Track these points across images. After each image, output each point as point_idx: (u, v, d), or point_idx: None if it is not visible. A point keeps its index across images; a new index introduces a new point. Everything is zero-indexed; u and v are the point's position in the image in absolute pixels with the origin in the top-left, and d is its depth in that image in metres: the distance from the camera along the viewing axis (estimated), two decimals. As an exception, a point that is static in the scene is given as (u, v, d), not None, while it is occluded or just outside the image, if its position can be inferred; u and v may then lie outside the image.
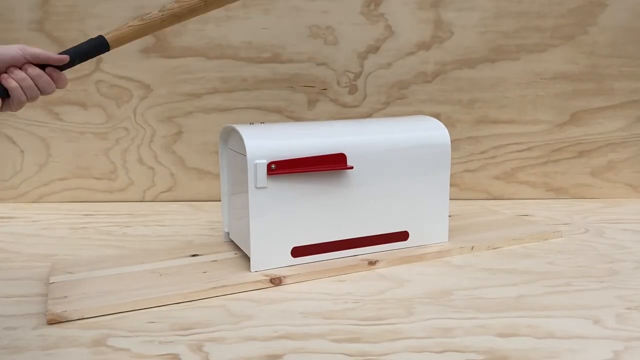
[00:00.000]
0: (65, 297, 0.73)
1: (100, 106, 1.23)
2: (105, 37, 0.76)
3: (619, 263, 0.87)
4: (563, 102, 1.25)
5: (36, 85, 0.71)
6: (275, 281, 0.79)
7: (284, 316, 0.70)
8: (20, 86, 0.71)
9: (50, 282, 0.78)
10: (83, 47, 0.75)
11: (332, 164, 0.83)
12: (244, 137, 0.80)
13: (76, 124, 1.23)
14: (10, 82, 0.70)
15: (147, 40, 1.19)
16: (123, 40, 0.77)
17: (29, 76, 0.71)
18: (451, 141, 1.25)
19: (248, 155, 0.78)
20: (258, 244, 0.81)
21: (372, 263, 0.85)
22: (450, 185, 1.27)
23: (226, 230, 0.93)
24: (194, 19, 1.18)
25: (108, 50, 0.76)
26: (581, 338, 0.64)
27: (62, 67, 0.73)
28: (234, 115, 1.23)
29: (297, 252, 0.83)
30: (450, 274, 0.84)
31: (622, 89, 1.24)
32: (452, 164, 1.26)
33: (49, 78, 0.72)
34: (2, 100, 0.71)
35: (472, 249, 0.92)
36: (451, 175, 1.27)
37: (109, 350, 0.62)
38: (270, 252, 0.82)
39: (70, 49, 0.75)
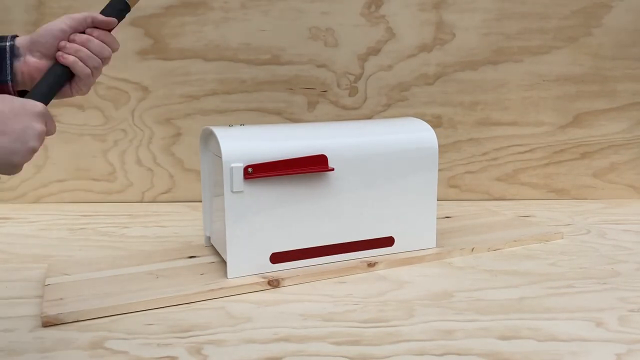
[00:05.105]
0: (61, 299, 0.72)
1: (98, 108, 1.22)
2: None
3: (621, 264, 0.87)
4: (565, 104, 1.24)
5: (92, 52, 0.67)
6: (273, 283, 0.78)
7: (284, 318, 0.69)
8: (79, 58, 0.66)
9: (46, 284, 0.77)
10: (108, 9, 0.72)
11: (312, 166, 0.81)
12: (220, 139, 0.78)
13: (74, 126, 1.23)
14: (68, 58, 0.66)
15: (145, 41, 1.19)
16: None
17: (82, 45, 0.66)
18: (453, 143, 1.26)
19: (224, 158, 0.76)
20: (235, 250, 0.79)
21: (371, 265, 0.84)
22: (451, 186, 1.28)
23: (207, 235, 0.92)
24: (191, 19, 1.18)
25: (129, 9, 0.73)
26: (583, 340, 0.64)
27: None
28: (232, 117, 1.22)
29: (277, 258, 0.81)
30: (451, 276, 0.83)
31: (625, 90, 1.23)
32: (453, 165, 1.26)
33: (100, 41, 0.68)
34: (70, 83, 0.67)
35: (472, 250, 0.92)
36: (452, 176, 1.27)
37: (106, 353, 0.62)
38: (247, 258, 0.80)
39: (101, 11, 0.71)
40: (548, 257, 0.90)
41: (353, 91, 1.23)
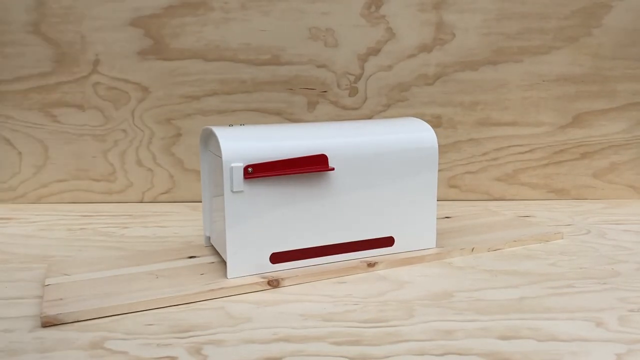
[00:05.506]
0: (61, 299, 0.72)
1: (98, 108, 1.22)
2: None
3: (621, 264, 0.87)
4: (565, 104, 1.24)
5: None
6: (273, 283, 0.78)
7: (283, 318, 0.69)
8: None
9: (46, 284, 0.77)
10: None
11: (313, 166, 0.80)
12: (220, 139, 0.77)
13: (74, 126, 1.23)
14: None
15: (145, 42, 1.19)
16: None
17: None
18: (452, 143, 1.26)
19: (224, 158, 0.76)
20: (235, 250, 0.78)
21: (371, 265, 0.84)
22: (451, 186, 1.28)
23: (207, 235, 0.92)
24: (191, 20, 1.18)
25: None
26: (583, 341, 0.64)
27: None
28: (233, 118, 1.22)
29: (276, 258, 0.81)
30: (451, 276, 0.83)
31: (625, 90, 1.23)
32: (453, 165, 1.26)
33: None
34: None
35: (472, 250, 0.92)
36: (452, 176, 1.27)
37: (106, 353, 0.62)
38: (247, 258, 0.79)
39: None
40: (548, 257, 0.90)
41: (353, 91, 1.23)
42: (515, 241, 0.95)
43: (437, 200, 0.91)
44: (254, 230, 0.79)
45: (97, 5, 1.18)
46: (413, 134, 0.88)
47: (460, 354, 0.61)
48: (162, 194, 1.27)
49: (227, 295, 0.76)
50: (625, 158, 1.26)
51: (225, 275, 0.79)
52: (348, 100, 1.24)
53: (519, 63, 1.22)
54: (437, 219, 0.92)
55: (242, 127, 0.83)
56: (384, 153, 0.85)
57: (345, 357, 0.60)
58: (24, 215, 1.16)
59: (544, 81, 1.23)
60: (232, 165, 0.77)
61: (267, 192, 0.79)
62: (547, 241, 0.98)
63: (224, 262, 0.84)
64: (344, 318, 0.69)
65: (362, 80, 1.23)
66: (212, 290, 0.75)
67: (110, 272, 0.81)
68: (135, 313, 0.71)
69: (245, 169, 0.77)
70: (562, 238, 0.99)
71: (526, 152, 1.26)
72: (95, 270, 0.82)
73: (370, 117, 1.24)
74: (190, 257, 0.87)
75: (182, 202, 1.26)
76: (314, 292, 0.77)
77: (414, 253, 0.88)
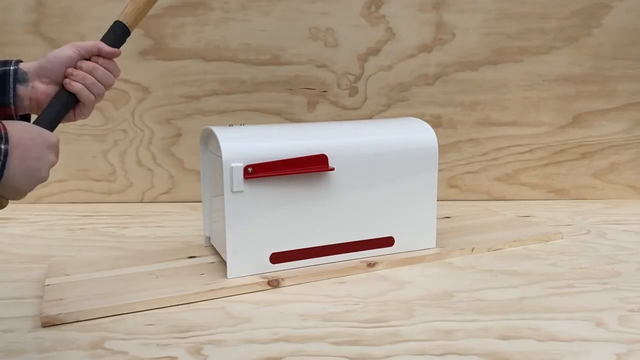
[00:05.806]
0: (61, 299, 0.72)
1: (98, 108, 1.21)
2: (122, 21, 0.74)
3: (621, 264, 0.87)
4: (565, 104, 1.24)
5: (98, 80, 0.68)
6: (273, 283, 0.78)
7: (283, 318, 0.69)
8: (85, 85, 0.67)
9: (46, 284, 0.77)
10: (111, 36, 0.72)
11: (313, 166, 0.81)
12: (220, 139, 0.78)
13: (74, 126, 1.22)
14: (75, 85, 0.67)
15: (145, 42, 1.19)
16: (138, 18, 0.75)
17: (89, 72, 0.68)
18: (453, 143, 1.26)
19: (224, 158, 0.76)
20: (235, 250, 0.79)
21: (371, 265, 0.84)
22: (451, 186, 1.28)
23: (207, 235, 0.92)
24: (191, 20, 1.18)
25: (129, 34, 0.74)
26: (583, 340, 0.64)
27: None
28: (232, 117, 1.22)
29: (276, 258, 0.81)
30: (451, 276, 0.83)
31: (625, 90, 1.23)
32: (453, 165, 1.26)
33: (105, 69, 0.69)
34: (74, 109, 0.69)
35: (472, 250, 0.92)
36: (452, 176, 1.27)
37: (106, 353, 0.62)
38: (247, 258, 0.79)
39: (103, 38, 0.72)
40: (548, 257, 0.90)
41: (353, 91, 1.23)
42: (515, 241, 0.95)
43: (437, 200, 0.91)
44: (254, 230, 0.79)
45: (97, 5, 1.18)
46: (413, 134, 0.88)
47: (460, 354, 0.61)
48: (162, 194, 1.27)
49: (227, 295, 0.76)
50: (625, 158, 1.26)
51: (225, 275, 0.79)
52: (348, 100, 1.24)
53: (519, 63, 1.22)
54: (437, 219, 0.92)
55: (242, 127, 0.83)
56: (384, 153, 0.85)
57: (345, 357, 0.60)
58: (24, 215, 1.16)
59: (544, 81, 1.23)
60: (232, 165, 0.77)
61: (267, 192, 0.79)
62: (547, 241, 0.98)
63: (224, 262, 0.84)
64: (344, 318, 0.69)
65: (362, 80, 1.23)
66: (212, 290, 0.75)
67: (110, 272, 0.81)
68: (135, 313, 0.71)
69: (245, 169, 0.77)
70: (562, 238, 0.99)
71: (526, 152, 1.26)
72: (95, 270, 0.82)
73: (370, 117, 1.24)
74: (190, 257, 0.87)
75: (182, 202, 1.26)
76: (314, 292, 0.77)
77: (414, 253, 0.88)
